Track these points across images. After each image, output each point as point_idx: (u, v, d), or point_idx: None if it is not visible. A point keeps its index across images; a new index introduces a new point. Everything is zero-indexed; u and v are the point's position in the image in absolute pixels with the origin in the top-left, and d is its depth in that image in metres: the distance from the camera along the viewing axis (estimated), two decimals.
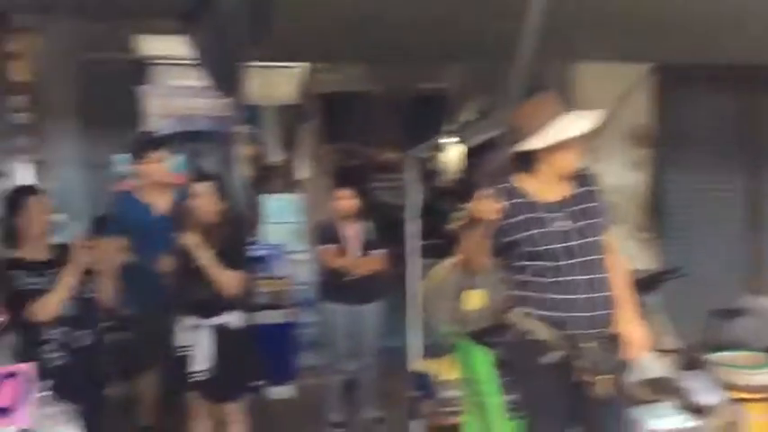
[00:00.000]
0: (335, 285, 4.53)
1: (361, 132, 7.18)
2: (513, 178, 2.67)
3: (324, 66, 5.68)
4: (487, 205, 2.45)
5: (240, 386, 3.64)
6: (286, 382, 5.21)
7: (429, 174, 6.94)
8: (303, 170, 5.99)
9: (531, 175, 2.67)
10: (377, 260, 4.53)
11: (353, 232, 4.54)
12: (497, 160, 2.53)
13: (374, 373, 4.74)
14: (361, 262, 4.50)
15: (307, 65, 5.66)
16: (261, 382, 3.80)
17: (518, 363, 2.74)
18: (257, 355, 3.74)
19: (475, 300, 2.87)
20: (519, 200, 2.63)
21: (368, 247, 4.54)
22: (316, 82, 5.87)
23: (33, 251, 3.17)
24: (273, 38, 2.75)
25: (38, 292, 3.08)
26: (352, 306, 4.53)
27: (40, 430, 2.46)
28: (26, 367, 2.61)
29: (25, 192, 3.25)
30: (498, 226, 2.56)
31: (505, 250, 2.65)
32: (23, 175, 4.31)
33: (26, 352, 3.04)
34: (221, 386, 3.53)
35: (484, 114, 6.02)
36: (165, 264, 3.59)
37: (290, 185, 6.22)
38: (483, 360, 3.15)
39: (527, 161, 2.65)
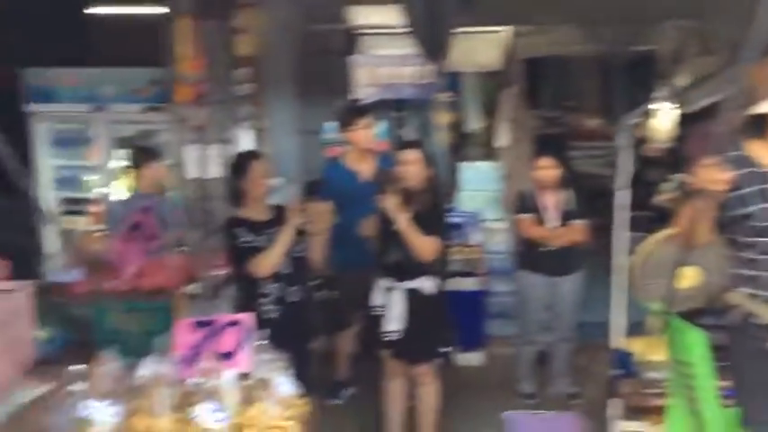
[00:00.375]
0: (532, 255, 4.44)
1: (564, 98, 6.91)
2: (742, 146, 2.41)
3: (528, 29, 5.50)
4: (712, 175, 2.23)
5: (430, 349, 3.69)
6: (476, 350, 5.23)
7: (636, 142, 6.51)
8: (503, 137, 5.88)
9: (766, 143, 2.40)
10: (576, 231, 4.38)
11: (553, 202, 4.40)
12: (722, 126, 2.29)
13: (570, 347, 4.62)
14: (560, 232, 4.37)
15: (510, 29, 5.53)
16: (451, 348, 3.82)
17: (738, 347, 2.52)
18: (448, 321, 3.77)
19: (689, 277, 2.66)
20: (750, 169, 2.37)
21: (568, 217, 4.39)
22: (519, 46, 5.71)
23: (254, 211, 3.43)
24: (482, 2, 2.70)
25: (257, 250, 3.33)
26: (549, 277, 4.43)
27: (257, 375, 2.66)
28: (246, 317, 2.82)
29: (249, 156, 3.52)
30: (725, 198, 2.34)
31: (732, 225, 2.41)
32: (245, 141, 4.69)
33: (245, 303, 3.31)
34: (412, 348, 3.62)
35: (701, 77, 5.51)
36: (367, 227, 3.72)
37: (488, 153, 6.15)
38: (696, 342, 2.91)
39: (761, 126, 2.37)
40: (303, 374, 2.85)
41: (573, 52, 6.09)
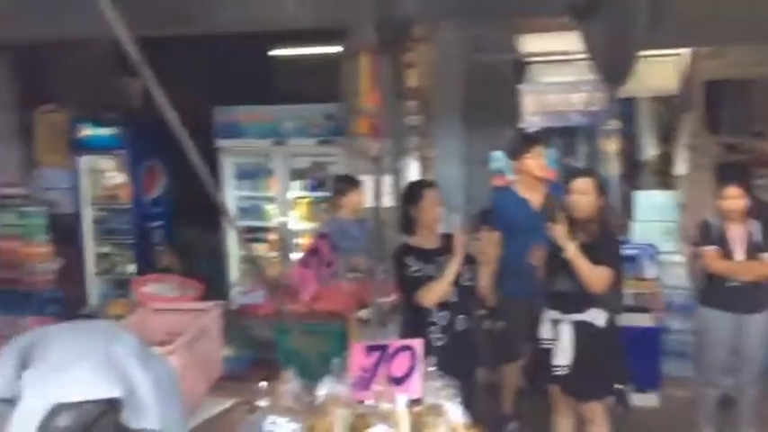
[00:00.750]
0: (717, 291, 4.16)
1: (749, 123, 6.43)
2: None
3: (708, 51, 5.20)
4: None
5: (601, 386, 3.54)
6: (650, 390, 4.93)
7: None
8: (682, 165, 5.57)
9: None
10: (766, 265, 4.04)
11: (740, 234, 4.11)
12: None
13: (757, 392, 4.24)
14: (748, 266, 4.07)
15: (688, 51, 5.27)
16: (623, 386, 3.63)
17: None
18: (620, 357, 3.61)
19: None
20: None
21: (755, 249, 4.08)
22: (699, 69, 5.41)
23: (424, 239, 3.49)
24: (670, 23, 2.60)
25: (425, 279, 3.37)
26: (735, 315, 4.12)
27: (428, 401, 2.68)
28: (417, 343, 2.86)
29: (421, 185, 3.61)
30: None
31: None
32: (413, 171, 4.82)
33: (412, 330, 3.35)
34: (581, 383, 3.49)
35: None
36: (535, 256, 3.66)
37: (664, 181, 5.85)
38: None
39: None
40: (469, 404, 2.84)
41: (757, 74, 5.68)
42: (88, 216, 6.76)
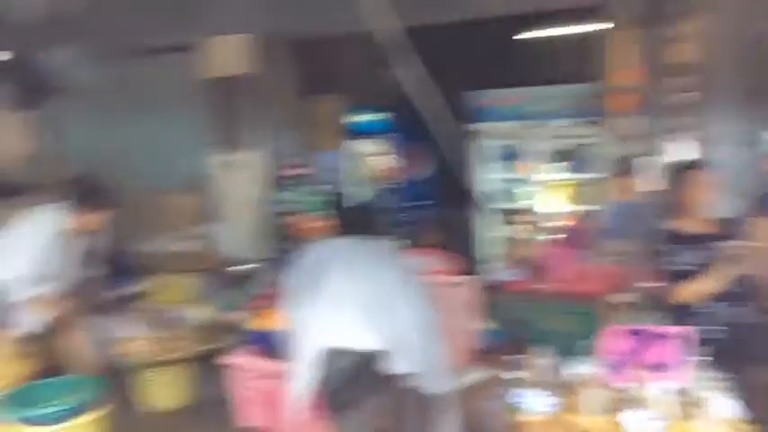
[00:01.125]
0: None
1: None
2: None
3: None
4: None
5: None
6: None
7: None
8: None
9: None
10: None
11: None
12: None
13: None
14: None
15: None
16: None
17: None
18: None
19: None
20: None
21: None
22: None
23: (690, 223, 3.24)
24: None
25: (687, 272, 3.08)
26: None
27: (695, 391, 2.54)
28: (683, 331, 2.70)
29: (688, 166, 3.35)
30: None
31: None
32: (683, 151, 4.48)
33: (678, 318, 3.09)
34: None
35: None
36: None
37: None
38: None
39: None
40: (749, 401, 2.62)
41: None
42: (360, 195, 7.38)
